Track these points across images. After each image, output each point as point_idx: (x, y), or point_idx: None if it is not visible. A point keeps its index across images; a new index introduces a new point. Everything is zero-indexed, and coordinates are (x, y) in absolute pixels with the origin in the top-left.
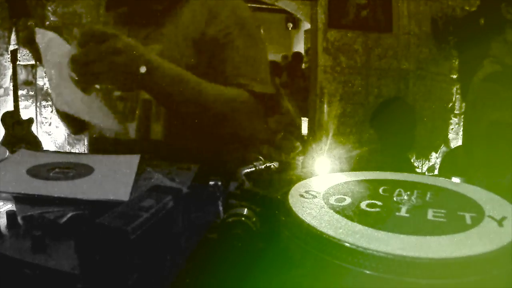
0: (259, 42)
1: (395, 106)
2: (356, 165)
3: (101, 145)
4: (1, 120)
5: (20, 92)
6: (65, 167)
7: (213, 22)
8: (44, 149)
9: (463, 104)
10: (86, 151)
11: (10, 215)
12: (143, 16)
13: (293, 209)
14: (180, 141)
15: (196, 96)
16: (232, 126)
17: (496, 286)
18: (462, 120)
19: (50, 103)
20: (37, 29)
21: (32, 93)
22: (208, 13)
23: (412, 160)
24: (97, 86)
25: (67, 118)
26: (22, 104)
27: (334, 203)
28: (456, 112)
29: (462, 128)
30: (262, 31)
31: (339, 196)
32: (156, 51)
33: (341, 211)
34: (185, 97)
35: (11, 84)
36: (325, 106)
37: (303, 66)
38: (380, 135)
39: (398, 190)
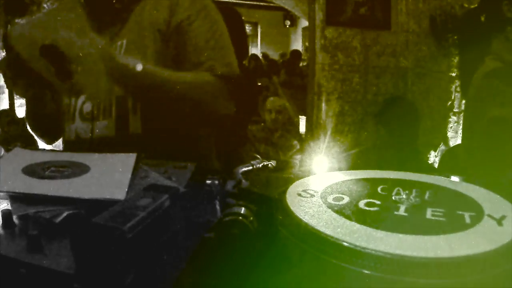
0: (220, 26)
1: (400, 103)
2: (355, 163)
3: (79, 146)
4: None
5: None
6: (61, 166)
7: (176, 11)
8: (40, 147)
9: (463, 102)
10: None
11: (6, 214)
12: (107, 15)
13: (291, 208)
14: (158, 132)
15: (161, 85)
16: (198, 106)
17: (496, 286)
18: (462, 118)
19: None
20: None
21: None
22: (169, 4)
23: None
24: None
25: (39, 129)
26: (17, 102)
27: (332, 202)
28: (455, 110)
29: (461, 126)
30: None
31: (337, 195)
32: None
33: (339, 210)
34: (152, 87)
35: None
36: (323, 104)
37: (301, 64)
38: (387, 132)
39: (396, 189)
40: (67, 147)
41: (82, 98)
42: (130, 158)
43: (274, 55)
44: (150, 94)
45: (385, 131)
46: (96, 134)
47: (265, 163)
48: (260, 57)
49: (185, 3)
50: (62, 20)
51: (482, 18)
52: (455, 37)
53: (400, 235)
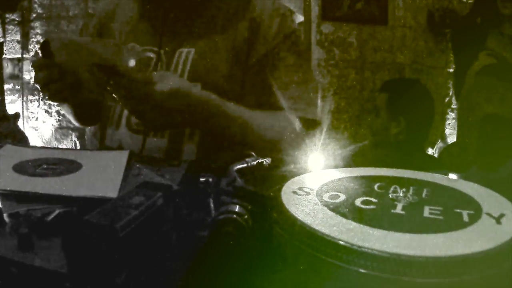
0: (306, 55)
1: (414, 86)
2: (351, 161)
3: None
4: None
5: (6, 86)
6: (53, 163)
7: (261, 36)
8: (31, 144)
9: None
10: (74, 147)
11: None
12: (179, 24)
13: (286, 206)
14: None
15: (236, 125)
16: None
17: (495, 285)
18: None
19: (37, 97)
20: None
21: (19, 87)
22: (251, 24)
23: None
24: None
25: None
26: (8, 98)
27: (328, 200)
28: (453, 106)
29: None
30: None
31: (333, 193)
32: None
33: (335, 208)
34: (230, 131)
35: None
36: (319, 100)
37: None
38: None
39: (393, 186)
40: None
41: None
42: (122, 156)
43: None
44: (221, 132)
45: (406, 122)
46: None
47: (260, 161)
48: None
49: (273, 24)
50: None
51: (477, 15)
52: (452, 33)
53: (397, 234)
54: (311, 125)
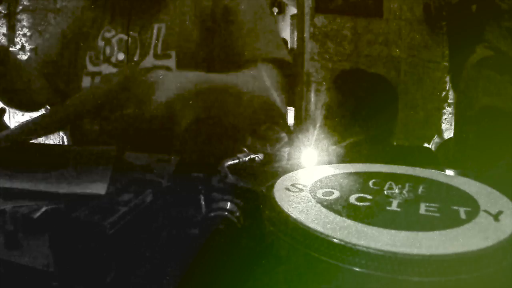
0: (263, 3)
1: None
2: (346, 157)
3: None
4: None
5: None
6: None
7: None
8: None
9: (450, 92)
10: (61, 142)
11: None
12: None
13: (279, 203)
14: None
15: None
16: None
17: (492, 284)
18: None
19: None
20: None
21: None
22: None
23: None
24: None
25: None
26: None
27: (322, 197)
28: (449, 101)
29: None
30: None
31: (327, 190)
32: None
33: (329, 205)
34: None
35: None
36: (312, 95)
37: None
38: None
39: (389, 183)
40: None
41: None
42: (110, 152)
43: None
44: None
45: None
46: None
47: (252, 157)
48: None
49: None
50: None
51: (474, 7)
52: (448, 25)
53: (393, 231)
54: (282, 66)
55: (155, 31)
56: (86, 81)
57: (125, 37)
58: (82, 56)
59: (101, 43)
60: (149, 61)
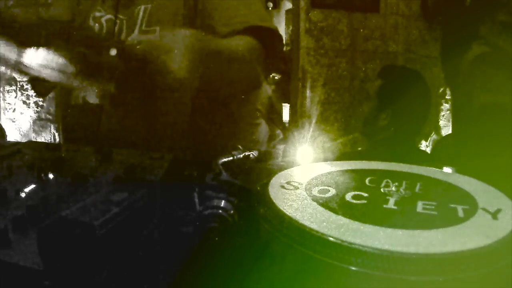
0: None
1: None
2: (341, 154)
3: None
4: None
5: None
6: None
7: None
8: (8, 137)
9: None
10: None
11: None
12: None
13: (274, 201)
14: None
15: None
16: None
17: (491, 283)
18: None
19: (14, 88)
20: None
21: None
22: None
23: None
24: None
25: None
26: None
27: (318, 195)
28: (447, 97)
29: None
30: None
31: (322, 187)
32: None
33: (325, 203)
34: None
35: None
36: (308, 91)
37: (284, 48)
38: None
39: (385, 180)
40: None
41: None
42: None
43: None
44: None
45: (394, 114)
46: None
47: (246, 154)
48: None
49: None
50: None
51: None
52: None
53: (389, 230)
54: (274, 34)
55: (141, 12)
56: None
57: (113, 18)
58: None
59: (91, 22)
60: (134, 37)
